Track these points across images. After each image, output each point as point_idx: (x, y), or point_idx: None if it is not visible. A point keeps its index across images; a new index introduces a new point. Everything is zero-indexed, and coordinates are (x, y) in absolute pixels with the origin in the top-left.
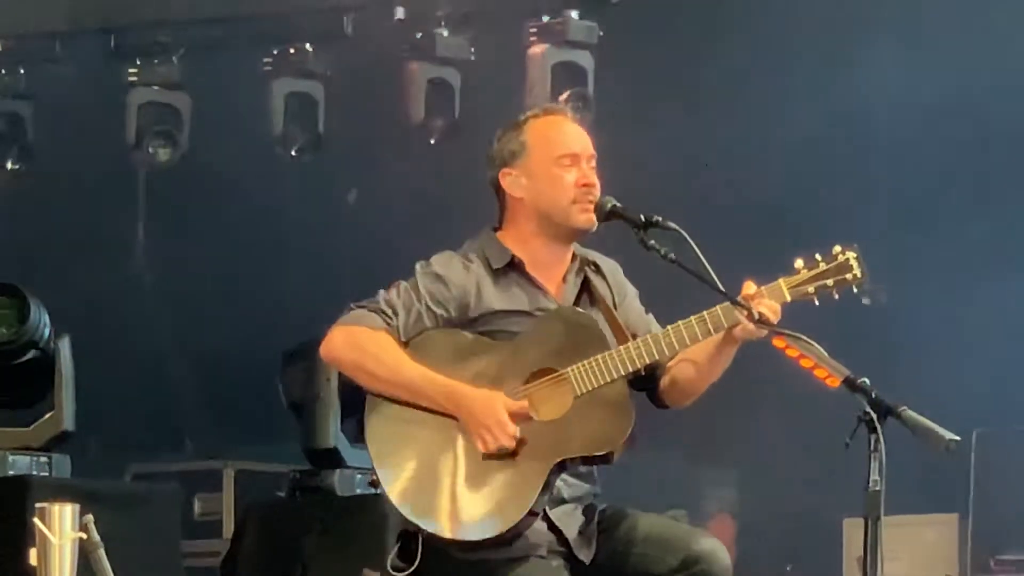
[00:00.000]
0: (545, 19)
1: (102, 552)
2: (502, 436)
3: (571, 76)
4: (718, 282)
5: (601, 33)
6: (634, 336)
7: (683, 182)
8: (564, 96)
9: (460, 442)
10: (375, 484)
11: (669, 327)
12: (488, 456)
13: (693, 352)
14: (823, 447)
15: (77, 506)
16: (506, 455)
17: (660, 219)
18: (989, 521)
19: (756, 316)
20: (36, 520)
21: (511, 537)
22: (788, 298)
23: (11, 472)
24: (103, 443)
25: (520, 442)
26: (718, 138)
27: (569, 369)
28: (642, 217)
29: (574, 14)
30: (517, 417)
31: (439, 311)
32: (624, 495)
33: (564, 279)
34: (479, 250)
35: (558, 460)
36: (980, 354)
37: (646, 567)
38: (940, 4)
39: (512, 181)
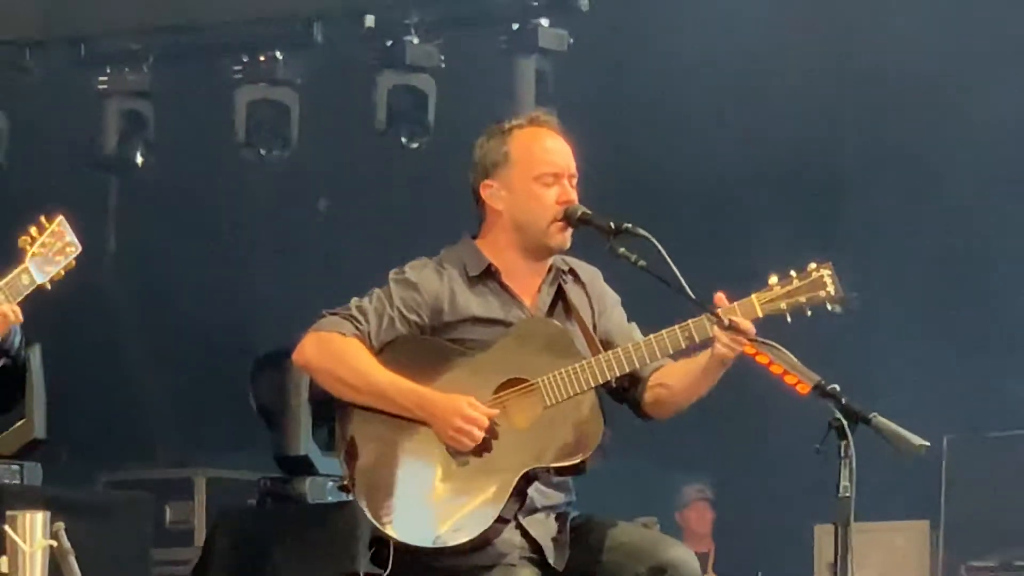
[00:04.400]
0: (515, 26)
1: (73, 560)
2: (472, 431)
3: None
4: (688, 288)
5: (571, 40)
6: (612, 347)
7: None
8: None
9: (431, 449)
10: (346, 489)
11: (641, 340)
12: (463, 457)
13: (677, 371)
14: (794, 453)
15: (48, 514)
16: (478, 457)
17: (629, 226)
18: (960, 528)
19: (727, 323)
20: (7, 528)
21: (480, 544)
22: (760, 314)
23: None
24: (74, 451)
25: (490, 450)
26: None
27: (539, 379)
28: (611, 224)
29: (544, 21)
30: (487, 417)
31: (412, 317)
32: (595, 502)
33: (539, 289)
34: (456, 257)
35: (526, 469)
36: (952, 361)
37: (616, 575)
38: None
39: (492, 193)
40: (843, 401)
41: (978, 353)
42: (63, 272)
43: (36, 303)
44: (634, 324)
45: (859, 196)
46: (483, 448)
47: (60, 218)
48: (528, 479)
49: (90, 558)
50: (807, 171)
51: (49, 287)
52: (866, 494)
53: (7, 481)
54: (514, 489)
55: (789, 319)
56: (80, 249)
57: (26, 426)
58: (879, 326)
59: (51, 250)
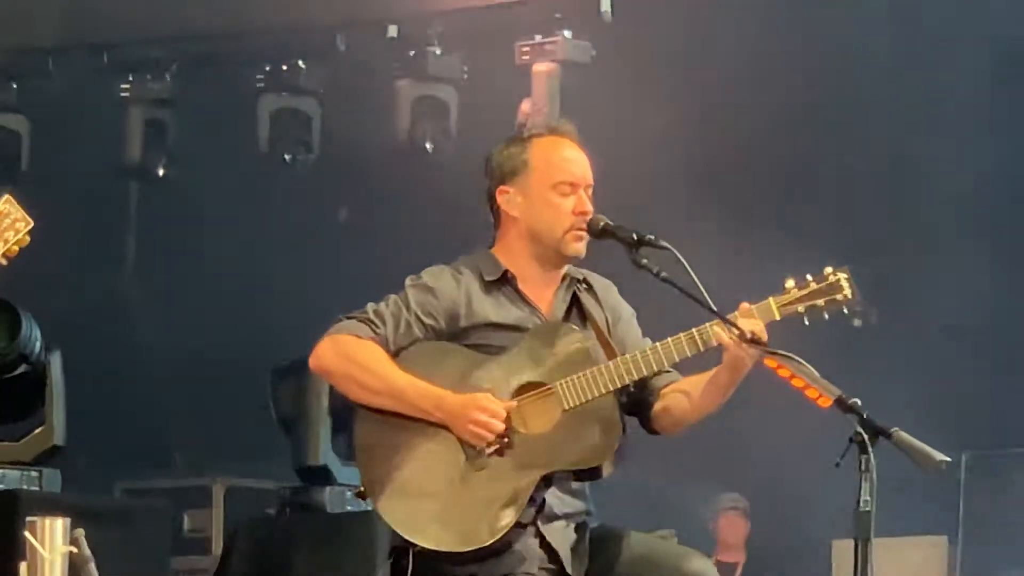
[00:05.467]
0: (538, 38)
1: (92, 567)
2: (491, 423)
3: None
4: (710, 300)
5: (594, 52)
6: None
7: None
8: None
9: (449, 452)
10: (362, 496)
11: (658, 343)
12: (481, 461)
13: (689, 383)
14: (813, 467)
15: (68, 520)
16: (496, 459)
17: (652, 237)
18: (978, 543)
19: (748, 335)
20: (27, 534)
21: (499, 549)
22: (777, 316)
23: (1, 486)
24: (93, 458)
25: (509, 453)
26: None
27: (557, 383)
28: (634, 235)
29: (567, 33)
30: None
31: (429, 322)
32: (613, 514)
33: (554, 296)
34: (472, 263)
35: (545, 473)
36: (971, 376)
37: None
38: None
39: (508, 200)
40: (864, 415)
41: (998, 368)
42: (16, 248)
43: (57, 310)
44: (648, 340)
45: (872, 202)
46: (500, 451)
47: (7, 196)
48: (546, 483)
49: (108, 565)
50: (824, 176)
51: (5, 263)
52: (884, 509)
53: (26, 487)
54: (532, 493)
55: (807, 322)
56: (32, 224)
57: (45, 432)
58: (897, 339)
59: None
